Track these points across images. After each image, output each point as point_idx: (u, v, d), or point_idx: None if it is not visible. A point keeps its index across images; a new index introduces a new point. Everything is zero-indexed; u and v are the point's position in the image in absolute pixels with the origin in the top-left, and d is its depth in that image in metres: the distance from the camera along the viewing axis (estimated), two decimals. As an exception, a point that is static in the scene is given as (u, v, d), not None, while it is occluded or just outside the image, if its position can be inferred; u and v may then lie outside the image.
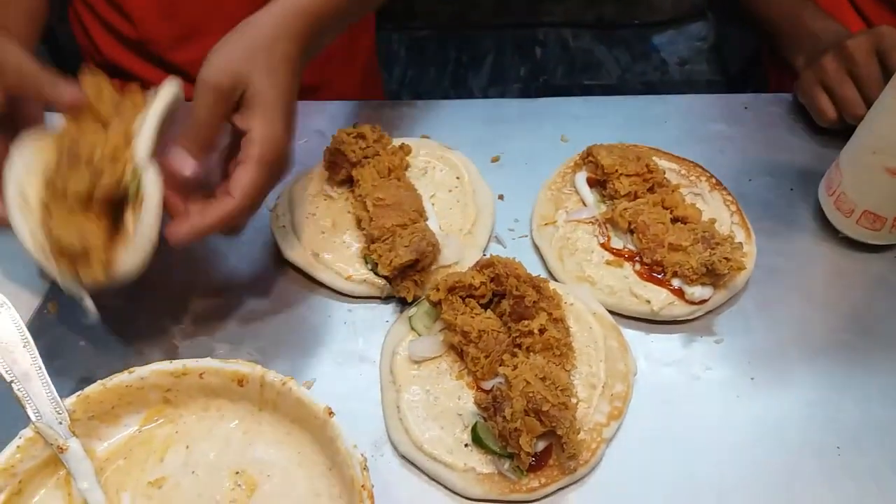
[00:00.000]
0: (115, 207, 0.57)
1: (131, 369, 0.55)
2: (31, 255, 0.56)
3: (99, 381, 0.54)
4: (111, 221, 0.58)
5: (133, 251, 0.57)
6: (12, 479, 0.51)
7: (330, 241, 0.73)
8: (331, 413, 0.52)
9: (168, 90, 0.61)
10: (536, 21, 3.09)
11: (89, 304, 0.58)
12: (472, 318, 0.64)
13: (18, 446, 0.51)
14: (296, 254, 0.72)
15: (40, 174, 0.58)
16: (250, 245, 0.75)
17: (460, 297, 0.65)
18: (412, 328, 0.67)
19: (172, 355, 0.67)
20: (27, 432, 0.52)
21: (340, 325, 0.70)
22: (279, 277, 0.73)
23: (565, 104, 0.88)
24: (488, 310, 0.66)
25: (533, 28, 3.06)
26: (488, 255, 0.71)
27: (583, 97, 0.88)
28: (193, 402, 0.56)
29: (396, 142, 0.78)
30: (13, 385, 0.52)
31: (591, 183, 0.77)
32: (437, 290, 0.65)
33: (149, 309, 0.69)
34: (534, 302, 0.63)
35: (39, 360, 0.53)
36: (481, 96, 2.75)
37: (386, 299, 0.71)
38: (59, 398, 0.53)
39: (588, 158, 0.78)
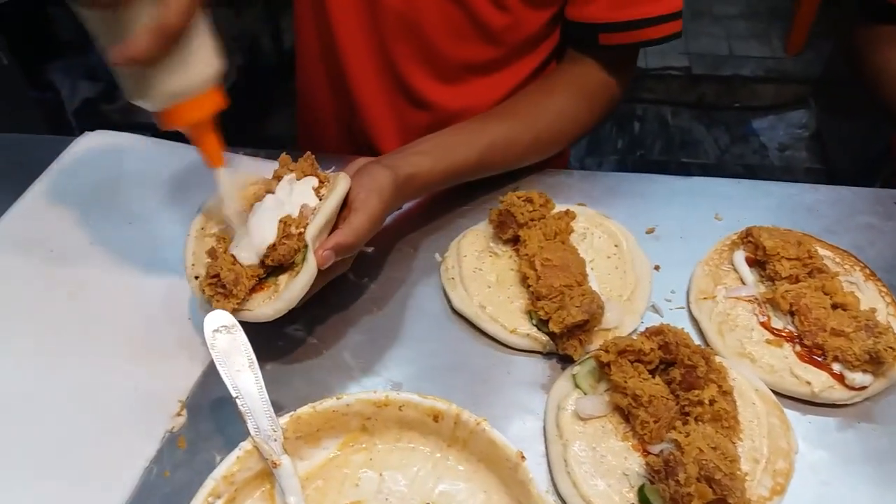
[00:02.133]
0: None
1: (339, 395, 0.59)
2: (185, 269, 0.70)
3: (310, 404, 0.59)
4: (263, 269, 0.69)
5: (273, 305, 0.66)
6: (230, 486, 0.55)
7: (495, 296, 0.77)
8: (523, 457, 0.55)
9: (343, 184, 0.72)
10: (636, 97, 3.17)
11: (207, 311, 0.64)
12: (642, 382, 0.67)
13: (238, 457, 0.56)
14: (464, 305, 0.77)
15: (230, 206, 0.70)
16: (423, 294, 0.80)
17: (629, 360, 0.68)
18: (576, 385, 0.70)
19: (346, 389, 0.71)
20: (246, 445, 0.57)
21: (504, 375, 0.73)
22: (448, 326, 0.77)
23: (717, 184, 0.91)
24: (655, 376, 0.68)
25: (632, 103, 3.13)
26: (651, 324, 0.75)
27: (735, 179, 0.91)
28: (388, 431, 0.60)
29: (559, 208, 0.83)
30: (238, 401, 0.57)
31: (750, 263, 0.80)
32: (607, 351, 0.68)
33: (332, 345, 0.75)
34: (704, 373, 0.65)
35: (262, 381, 0.58)
36: (578, 166, 2.82)
37: (547, 354, 0.75)
38: (275, 416, 0.58)
39: (747, 239, 0.80)
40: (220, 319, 0.60)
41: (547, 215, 0.81)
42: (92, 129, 0.99)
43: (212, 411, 0.69)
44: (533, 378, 0.73)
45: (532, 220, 0.80)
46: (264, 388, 0.58)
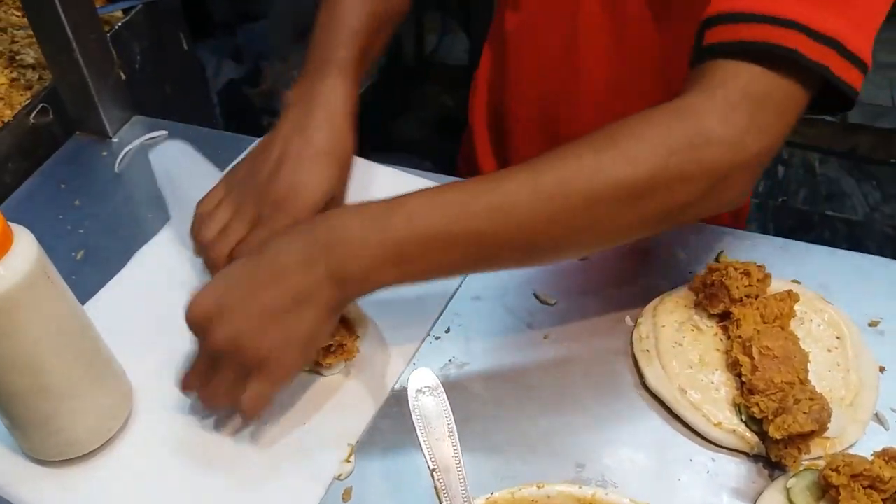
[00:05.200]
0: None
1: (540, 483, 0.53)
2: None
3: (507, 489, 0.53)
4: None
5: None
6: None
7: (698, 379, 0.69)
8: None
9: None
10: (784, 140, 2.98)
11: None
12: (876, 514, 0.57)
13: (428, 538, 0.50)
14: (661, 385, 0.69)
15: None
16: (608, 363, 0.72)
17: (861, 485, 0.59)
18: (790, 501, 0.61)
19: (526, 459, 0.65)
20: (438, 525, 0.51)
21: (703, 473, 0.65)
22: (639, 405, 0.69)
23: (957, 278, 0.79)
24: (892, 509, 0.58)
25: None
26: (871, 438, 0.65)
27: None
28: (587, 533, 0.53)
29: (776, 285, 0.74)
30: (434, 474, 0.52)
31: None
32: (838, 472, 0.59)
33: (505, 400, 0.68)
34: (959, 519, 0.55)
35: (461, 454, 0.52)
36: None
37: (754, 457, 0.66)
38: (470, 495, 0.52)
39: None
40: (424, 379, 0.54)
41: (765, 293, 0.72)
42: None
43: (382, 459, 0.63)
44: (735, 483, 0.64)
45: (748, 296, 0.71)
46: (462, 462, 0.52)
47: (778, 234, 2.73)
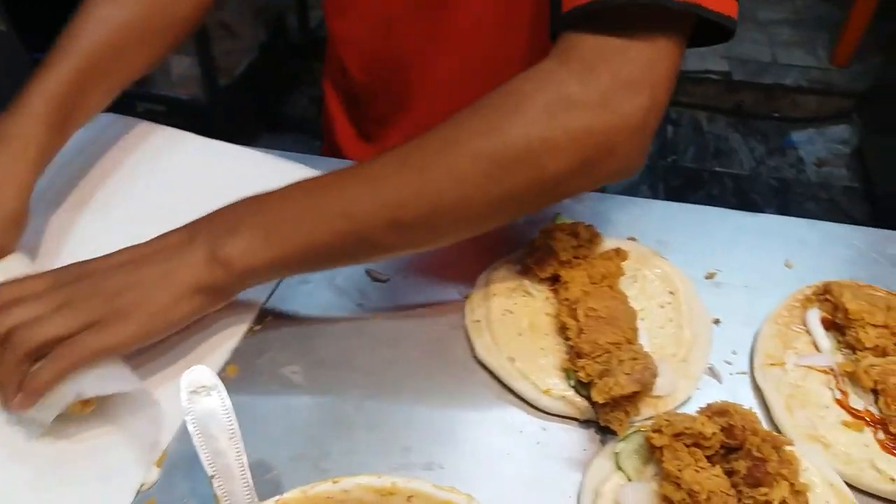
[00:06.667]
0: None
1: (336, 479, 0.49)
2: None
3: (299, 489, 0.48)
4: None
5: None
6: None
7: (526, 346, 0.66)
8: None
9: None
10: (672, 100, 3.02)
11: None
12: (699, 472, 0.55)
13: (208, 550, 0.46)
14: (490, 355, 0.66)
15: None
16: (445, 338, 0.68)
17: (685, 444, 0.57)
18: (618, 467, 0.59)
19: (351, 447, 0.61)
20: (219, 536, 0.46)
21: (533, 444, 0.62)
22: (468, 378, 0.66)
23: (789, 225, 0.79)
24: (714, 465, 0.57)
25: (667, 106, 2.99)
26: (703, 393, 0.64)
27: (813, 220, 0.79)
28: (393, 526, 0.50)
29: (607, 243, 0.72)
30: (213, 481, 0.47)
31: (826, 324, 0.68)
32: (660, 432, 0.57)
33: (333, 394, 0.64)
34: (775, 468, 0.54)
35: (245, 457, 0.48)
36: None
37: (585, 422, 0.64)
38: (257, 501, 0.47)
39: (825, 296, 0.69)
40: (199, 378, 0.49)
41: (593, 253, 0.69)
42: None
43: (190, 469, 0.58)
44: (567, 451, 0.62)
45: (576, 257, 0.69)
46: (247, 468, 0.48)
47: (669, 194, 2.77)
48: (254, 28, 2.53)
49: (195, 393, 0.48)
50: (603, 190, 0.88)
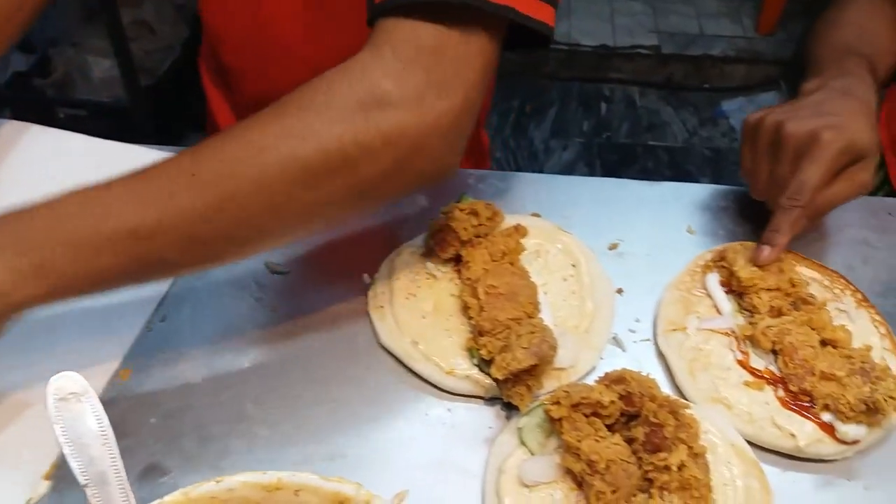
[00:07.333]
0: None
1: (219, 479, 0.47)
2: None
3: (181, 490, 0.47)
4: None
5: None
6: None
7: (430, 328, 0.65)
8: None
9: None
10: (604, 76, 3.05)
11: None
12: (598, 441, 0.55)
13: (84, 563, 0.44)
14: (392, 340, 0.65)
15: None
16: (344, 326, 0.67)
17: (584, 414, 0.57)
18: (522, 442, 0.59)
19: (250, 444, 0.59)
20: (96, 547, 0.44)
21: (438, 426, 0.62)
22: (373, 365, 0.65)
23: (690, 191, 0.80)
24: (615, 433, 0.57)
25: (599, 83, 3.01)
26: (608, 362, 0.64)
27: (713, 185, 0.80)
28: (283, 521, 0.48)
29: (509, 220, 0.71)
30: (87, 489, 0.45)
31: (726, 287, 0.69)
32: (559, 404, 0.57)
33: (232, 390, 0.62)
34: (672, 433, 0.55)
35: (120, 462, 0.46)
36: (542, 147, 2.70)
37: (490, 400, 0.63)
38: (135, 506, 0.46)
39: (721, 263, 0.70)
40: (67, 385, 0.47)
41: (494, 231, 0.69)
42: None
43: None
44: (472, 430, 0.61)
45: (477, 236, 0.68)
46: (123, 472, 0.46)
47: (605, 169, 2.77)
48: (175, 26, 2.46)
49: (63, 400, 0.46)
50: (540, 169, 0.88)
